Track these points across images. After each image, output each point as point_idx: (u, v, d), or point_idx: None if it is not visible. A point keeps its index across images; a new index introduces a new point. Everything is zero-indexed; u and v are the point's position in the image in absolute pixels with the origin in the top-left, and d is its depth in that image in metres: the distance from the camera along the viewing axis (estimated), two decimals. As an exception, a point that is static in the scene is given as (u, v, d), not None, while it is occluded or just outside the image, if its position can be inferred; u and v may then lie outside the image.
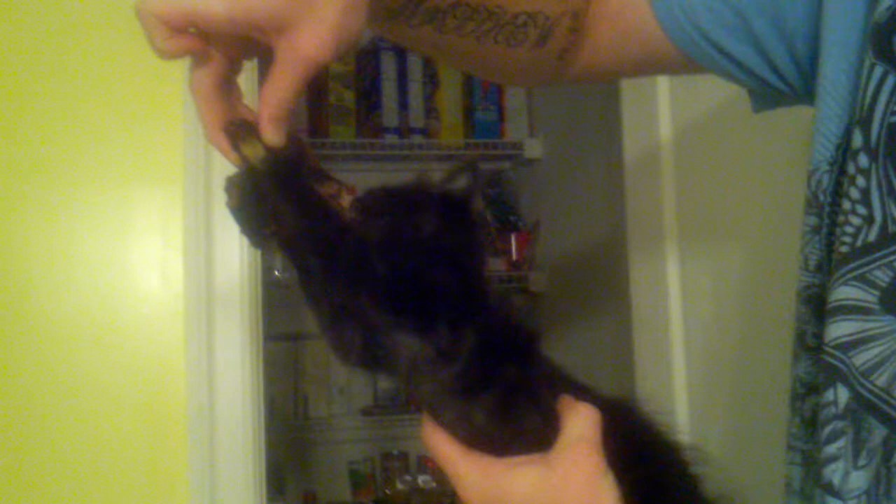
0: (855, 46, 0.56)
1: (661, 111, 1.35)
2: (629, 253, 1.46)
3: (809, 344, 0.59)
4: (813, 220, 0.59)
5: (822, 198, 0.58)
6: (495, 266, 2.66)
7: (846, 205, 0.53)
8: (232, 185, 0.58)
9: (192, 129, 1.24)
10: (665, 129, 1.36)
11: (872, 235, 0.51)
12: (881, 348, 0.49)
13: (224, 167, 1.24)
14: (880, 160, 0.51)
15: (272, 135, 0.55)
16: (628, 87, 1.45)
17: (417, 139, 2.70)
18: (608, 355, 2.08)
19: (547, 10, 0.67)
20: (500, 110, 2.80)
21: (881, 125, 0.51)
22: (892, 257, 0.50)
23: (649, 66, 0.77)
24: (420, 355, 0.55)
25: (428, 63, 2.77)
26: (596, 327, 2.26)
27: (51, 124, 1.24)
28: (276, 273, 2.49)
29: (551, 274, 2.64)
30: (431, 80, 2.75)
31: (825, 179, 0.57)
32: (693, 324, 1.33)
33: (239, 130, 0.56)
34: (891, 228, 0.50)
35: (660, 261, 1.36)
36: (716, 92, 1.19)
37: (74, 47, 1.26)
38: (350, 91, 2.69)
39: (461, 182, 0.61)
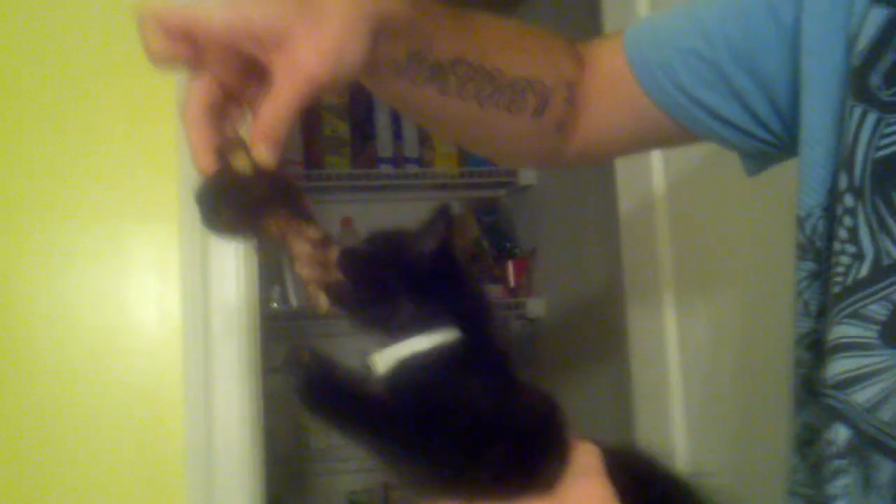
0: (835, 92, 0.57)
1: (653, 160, 1.36)
2: (626, 300, 1.46)
3: (816, 389, 0.58)
4: (811, 266, 0.59)
5: (818, 243, 0.58)
6: (493, 293, 2.66)
7: (836, 246, 0.53)
8: (205, 181, 0.55)
9: (188, 164, 1.24)
10: (658, 178, 1.37)
11: (864, 271, 0.51)
12: (885, 384, 0.49)
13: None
14: (867, 197, 0.51)
15: (264, 153, 0.52)
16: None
17: (412, 169, 2.71)
18: (607, 381, 2.08)
19: (543, 78, 0.68)
20: (494, 138, 2.81)
21: (864, 163, 0.52)
22: (889, 289, 0.50)
23: (644, 138, 0.78)
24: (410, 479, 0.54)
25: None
26: (594, 352, 2.26)
27: (47, 161, 1.25)
28: (275, 305, 2.49)
29: (549, 300, 2.64)
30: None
31: (820, 225, 0.58)
32: (691, 369, 1.33)
33: (230, 146, 0.53)
34: (885, 262, 0.50)
35: (656, 307, 1.37)
36: (707, 142, 1.20)
37: (69, 83, 1.27)
38: (344, 122, 2.70)
39: (435, 234, 0.57)
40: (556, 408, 0.56)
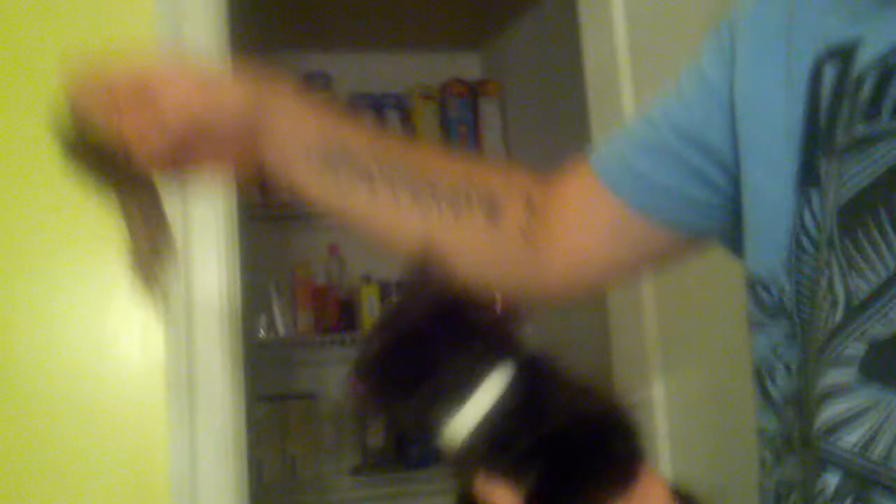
0: (776, 151, 0.58)
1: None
2: (614, 366, 1.46)
3: (796, 446, 0.58)
4: (785, 327, 0.58)
5: (789, 305, 0.58)
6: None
7: (818, 302, 0.54)
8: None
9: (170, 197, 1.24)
10: None
11: (838, 316, 0.51)
12: (872, 422, 0.49)
13: (202, 236, 1.24)
14: (836, 244, 0.52)
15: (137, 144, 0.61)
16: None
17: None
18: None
19: (491, 187, 0.70)
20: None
21: (831, 214, 0.52)
22: (862, 328, 0.50)
23: (626, 253, 0.75)
24: None
25: (405, 113, 2.79)
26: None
27: (26, 191, 1.24)
28: (261, 333, 2.48)
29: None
30: (406, 125, 2.77)
31: (786, 285, 0.58)
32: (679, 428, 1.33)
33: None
34: (855, 301, 0.50)
35: (643, 373, 1.37)
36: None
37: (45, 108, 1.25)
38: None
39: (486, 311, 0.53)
40: (626, 410, 0.54)
